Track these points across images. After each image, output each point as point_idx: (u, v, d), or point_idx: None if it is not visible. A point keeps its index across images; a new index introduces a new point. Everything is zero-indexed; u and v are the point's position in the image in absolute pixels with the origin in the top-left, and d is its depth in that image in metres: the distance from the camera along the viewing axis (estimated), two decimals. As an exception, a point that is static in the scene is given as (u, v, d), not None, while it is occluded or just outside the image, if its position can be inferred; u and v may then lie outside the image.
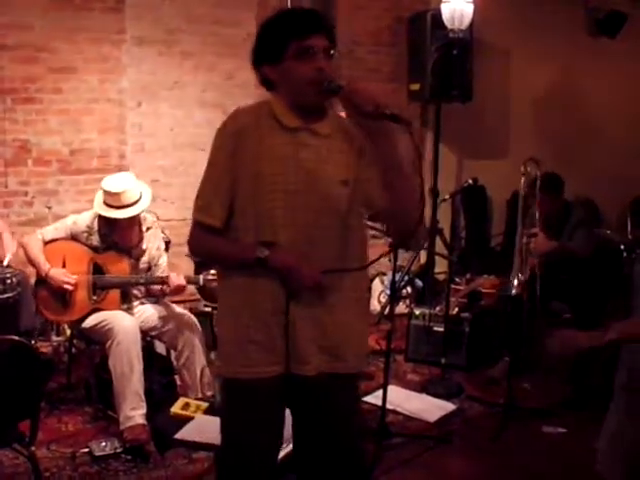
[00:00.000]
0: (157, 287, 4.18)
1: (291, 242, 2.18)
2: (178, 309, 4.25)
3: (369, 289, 2.39)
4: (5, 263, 4.50)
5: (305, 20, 2.20)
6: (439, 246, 6.00)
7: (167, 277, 4.09)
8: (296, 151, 2.19)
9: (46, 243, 4.12)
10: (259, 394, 2.24)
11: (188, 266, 4.82)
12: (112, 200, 4.02)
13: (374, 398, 4.35)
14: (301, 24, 2.18)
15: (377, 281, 6.29)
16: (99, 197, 4.10)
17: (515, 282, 4.24)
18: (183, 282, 4.06)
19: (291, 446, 2.53)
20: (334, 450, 2.32)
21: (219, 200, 2.21)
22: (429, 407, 4.35)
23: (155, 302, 4.23)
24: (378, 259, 2.38)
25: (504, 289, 4.87)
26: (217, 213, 2.21)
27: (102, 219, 4.09)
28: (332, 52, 2.20)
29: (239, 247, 2.23)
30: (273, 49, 2.19)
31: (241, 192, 2.19)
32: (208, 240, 2.27)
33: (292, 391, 2.26)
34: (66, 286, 4.02)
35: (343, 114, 2.32)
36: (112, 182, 4.06)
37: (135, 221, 4.13)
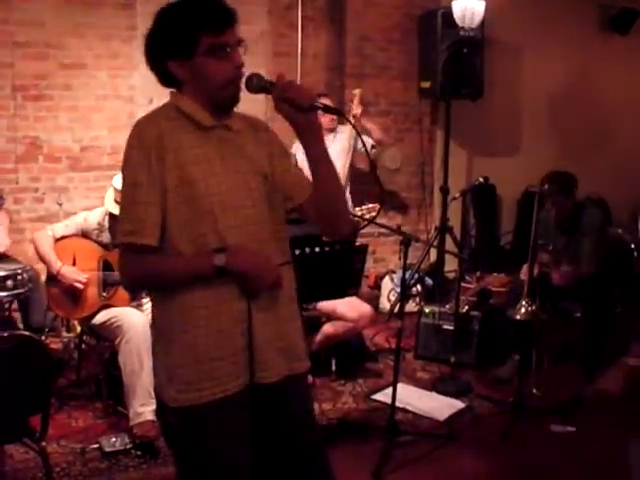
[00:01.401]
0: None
1: (239, 243, 2.04)
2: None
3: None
4: None
5: (217, 12, 2.00)
6: (449, 244, 5.99)
7: None
8: (218, 150, 2.07)
9: (57, 240, 4.13)
10: (226, 413, 2.05)
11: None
12: None
13: (383, 396, 4.36)
14: (214, 17, 1.99)
15: (387, 279, 6.29)
16: (110, 194, 4.10)
17: (522, 310, 4.22)
18: None
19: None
20: (300, 452, 2.18)
21: (151, 219, 1.99)
22: (438, 405, 4.35)
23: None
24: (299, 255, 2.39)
25: (514, 289, 4.87)
26: (152, 231, 1.99)
27: (113, 216, 4.10)
28: (242, 44, 2.07)
29: (190, 260, 2.02)
30: (181, 43, 2.00)
31: (172, 204, 2.00)
32: (147, 263, 2.03)
33: (255, 400, 2.10)
34: (77, 284, 4.03)
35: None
36: None
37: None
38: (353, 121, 5.26)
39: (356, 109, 5.52)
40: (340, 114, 2.14)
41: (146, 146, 2.00)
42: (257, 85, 2.07)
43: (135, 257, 2.03)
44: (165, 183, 1.99)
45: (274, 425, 2.16)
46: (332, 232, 2.36)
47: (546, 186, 4.38)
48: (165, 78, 2.10)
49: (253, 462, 2.11)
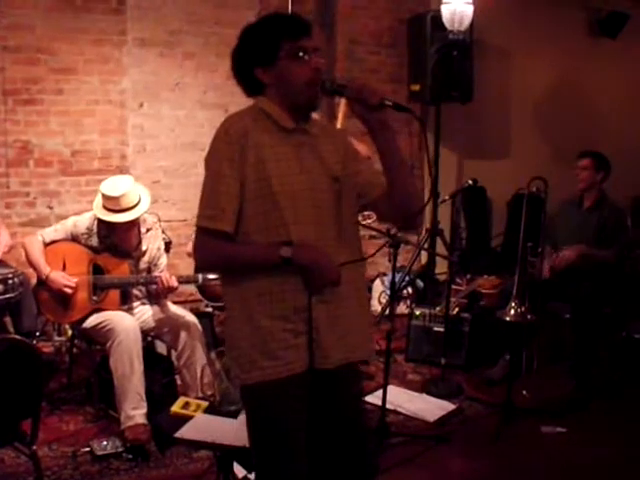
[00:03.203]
0: (154, 287, 4.18)
1: (304, 239, 2.20)
2: (179, 309, 4.26)
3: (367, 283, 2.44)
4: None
5: (294, 22, 2.24)
6: (439, 246, 6.01)
7: (157, 277, 4.10)
8: (296, 151, 2.24)
9: (46, 245, 4.13)
10: (289, 392, 2.23)
11: (188, 266, 4.83)
12: (111, 204, 4.03)
13: (374, 398, 4.36)
14: (293, 25, 2.22)
15: (377, 281, 6.30)
16: (98, 200, 4.10)
17: (512, 311, 4.25)
18: (174, 283, 4.06)
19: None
20: (349, 443, 2.34)
21: (231, 208, 2.19)
22: (429, 407, 4.36)
23: (156, 302, 4.24)
24: (373, 253, 2.45)
25: (504, 291, 4.90)
26: (229, 219, 2.20)
27: (102, 221, 4.10)
28: (320, 50, 2.24)
29: (260, 249, 2.21)
30: (265, 51, 2.21)
31: (249, 196, 2.19)
32: (221, 247, 2.23)
33: (314, 385, 2.27)
34: (66, 289, 4.04)
35: (316, 116, 2.38)
36: (111, 186, 4.06)
37: (135, 223, 4.13)
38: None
39: (340, 125, 5.47)
40: (409, 111, 2.19)
41: (233, 141, 2.19)
42: (330, 88, 2.21)
43: (211, 240, 2.23)
44: (245, 176, 2.18)
45: (328, 411, 2.33)
46: (407, 218, 2.36)
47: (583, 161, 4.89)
48: (250, 87, 2.29)
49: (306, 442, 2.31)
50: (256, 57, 2.23)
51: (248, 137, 2.19)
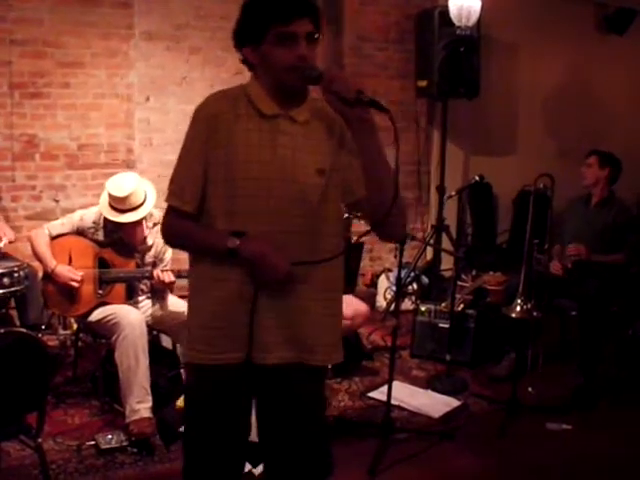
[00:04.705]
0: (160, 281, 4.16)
1: (262, 231, 2.14)
2: (184, 303, 4.26)
3: (343, 279, 2.30)
4: (1, 245, 4.53)
5: (289, 3, 2.10)
6: (445, 242, 6.00)
7: (151, 272, 4.08)
8: (273, 138, 2.15)
9: (53, 238, 4.14)
10: (222, 380, 2.22)
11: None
12: (118, 203, 4.02)
13: (379, 393, 4.37)
14: (284, 7, 2.09)
15: (383, 277, 6.30)
16: (105, 197, 4.09)
17: (517, 308, 4.25)
18: (166, 279, 4.04)
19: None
20: (296, 441, 2.30)
21: (192, 186, 2.17)
22: (434, 403, 4.36)
23: (161, 296, 4.24)
24: (342, 253, 2.25)
25: (509, 287, 4.89)
26: (190, 199, 2.18)
27: (107, 218, 4.09)
28: (316, 36, 2.13)
29: (211, 235, 2.18)
30: (254, 31, 2.12)
31: (213, 177, 2.15)
32: (181, 226, 2.23)
33: (255, 379, 2.24)
34: (72, 283, 4.04)
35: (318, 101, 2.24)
36: (117, 185, 4.02)
37: (140, 220, 4.13)
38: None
39: None
40: (385, 111, 2.02)
41: (202, 121, 2.17)
42: (307, 75, 2.10)
43: (173, 219, 2.25)
44: (213, 158, 2.14)
45: (277, 407, 2.28)
46: (383, 234, 2.32)
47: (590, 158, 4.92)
48: (245, 62, 2.22)
49: (242, 436, 2.31)
50: (245, 36, 2.16)
51: (219, 119, 2.14)
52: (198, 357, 2.23)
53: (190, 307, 2.30)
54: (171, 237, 2.34)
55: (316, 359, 2.24)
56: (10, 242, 4.64)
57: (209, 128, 2.14)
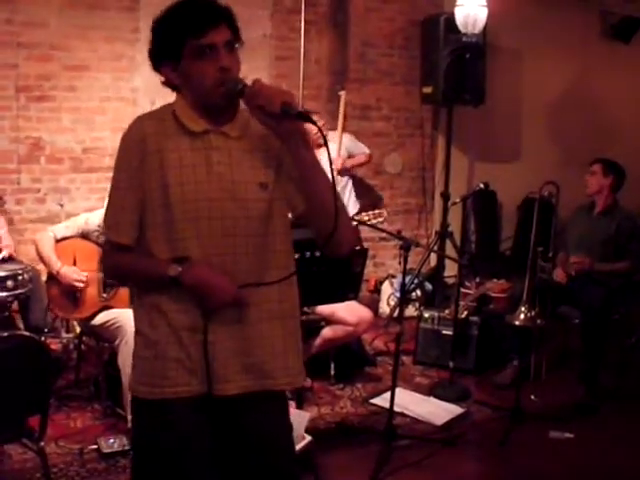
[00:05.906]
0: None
1: (206, 255, 2.00)
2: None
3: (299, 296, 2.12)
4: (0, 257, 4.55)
5: (201, 13, 1.96)
6: (449, 249, 6.00)
7: None
8: (207, 156, 2.01)
9: (57, 241, 4.14)
10: (175, 414, 2.04)
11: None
12: None
13: (382, 400, 4.36)
14: (197, 19, 1.95)
15: (387, 283, 6.30)
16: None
17: (521, 316, 4.24)
18: None
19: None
20: (263, 472, 2.13)
21: (126, 218, 2.03)
22: (436, 410, 4.35)
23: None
24: (293, 273, 2.11)
25: (513, 295, 4.88)
26: (126, 231, 2.04)
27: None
28: (236, 45, 2.00)
29: (152, 265, 2.03)
30: (169, 48, 1.98)
31: (150, 204, 2.01)
32: (120, 259, 2.09)
33: (214, 412, 2.07)
34: (77, 284, 4.05)
35: (245, 114, 2.10)
36: None
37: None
38: (337, 169, 5.21)
39: (339, 124, 5.48)
40: (313, 122, 1.91)
41: (129, 147, 2.04)
42: (231, 89, 1.96)
43: (110, 251, 2.13)
44: (147, 184, 2.01)
45: (238, 440, 2.12)
46: (327, 250, 2.11)
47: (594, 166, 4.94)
48: (167, 83, 2.07)
49: (209, 472, 2.08)
50: (161, 54, 2.02)
51: (147, 142, 2.00)
52: (152, 392, 2.06)
53: (138, 342, 2.13)
54: (111, 271, 2.27)
55: (277, 384, 2.12)
56: (10, 256, 4.66)
57: (140, 152, 2.00)
